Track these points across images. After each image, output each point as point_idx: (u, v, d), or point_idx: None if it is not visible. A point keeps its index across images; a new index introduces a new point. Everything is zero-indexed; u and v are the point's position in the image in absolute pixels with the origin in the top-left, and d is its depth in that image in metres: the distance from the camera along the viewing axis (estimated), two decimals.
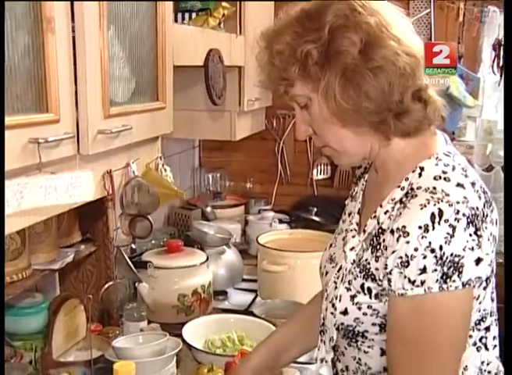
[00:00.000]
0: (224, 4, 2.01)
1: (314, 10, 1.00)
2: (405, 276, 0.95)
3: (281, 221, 2.61)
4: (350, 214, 1.21)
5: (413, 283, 0.94)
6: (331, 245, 1.24)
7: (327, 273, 1.18)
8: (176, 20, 1.93)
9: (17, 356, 1.36)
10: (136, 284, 1.73)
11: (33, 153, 1.02)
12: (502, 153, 2.70)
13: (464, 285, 0.93)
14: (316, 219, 2.68)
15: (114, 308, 1.59)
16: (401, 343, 0.99)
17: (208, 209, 2.58)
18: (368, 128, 1.02)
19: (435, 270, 0.93)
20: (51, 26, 1.05)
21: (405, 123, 1.02)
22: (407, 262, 0.95)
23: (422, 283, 0.94)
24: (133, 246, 1.95)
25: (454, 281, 0.93)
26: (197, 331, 1.70)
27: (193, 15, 2.03)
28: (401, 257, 0.95)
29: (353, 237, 1.12)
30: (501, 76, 2.67)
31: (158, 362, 1.29)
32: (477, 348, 1.07)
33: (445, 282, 0.93)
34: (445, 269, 0.93)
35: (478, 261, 0.94)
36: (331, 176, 2.89)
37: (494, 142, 2.82)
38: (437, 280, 0.93)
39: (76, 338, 1.56)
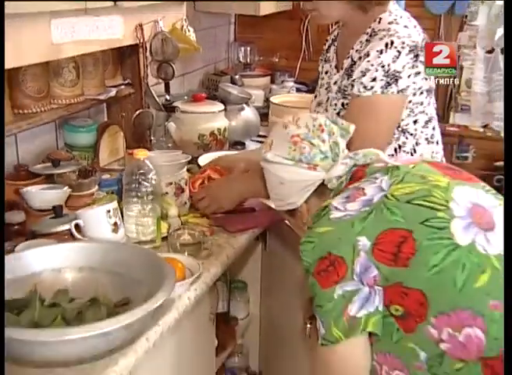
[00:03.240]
0: None
1: None
2: (361, 83, 1.43)
3: (298, 90, 3.02)
4: (326, 72, 1.67)
5: (365, 87, 1.42)
6: (316, 96, 1.71)
7: (317, 113, 1.62)
8: None
9: (75, 159, 1.88)
10: (166, 123, 2.21)
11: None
12: None
13: (398, 92, 1.41)
14: None
15: (145, 131, 2.08)
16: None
17: (237, 76, 2.99)
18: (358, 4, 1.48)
19: (382, 80, 1.40)
20: None
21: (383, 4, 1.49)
22: (364, 73, 1.42)
23: (371, 88, 1.42)
24: (168, 97, 2.43)
25: (392, 88, 1.41)
26: (210, 158, 2.16)
27: None
28: (362, 71, 1.43)
29: (335, 74, 1.60)
30: None
31: (174, 166, 1.78)
32: (428, 142, 1.55)
33: (386, 88, 1.41)
34: (388, 79, 1.40)
35: (416, 74, 1.41)
36: None
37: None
38: (381, 87, 1.41)
39: (116, 156, 2.09)
